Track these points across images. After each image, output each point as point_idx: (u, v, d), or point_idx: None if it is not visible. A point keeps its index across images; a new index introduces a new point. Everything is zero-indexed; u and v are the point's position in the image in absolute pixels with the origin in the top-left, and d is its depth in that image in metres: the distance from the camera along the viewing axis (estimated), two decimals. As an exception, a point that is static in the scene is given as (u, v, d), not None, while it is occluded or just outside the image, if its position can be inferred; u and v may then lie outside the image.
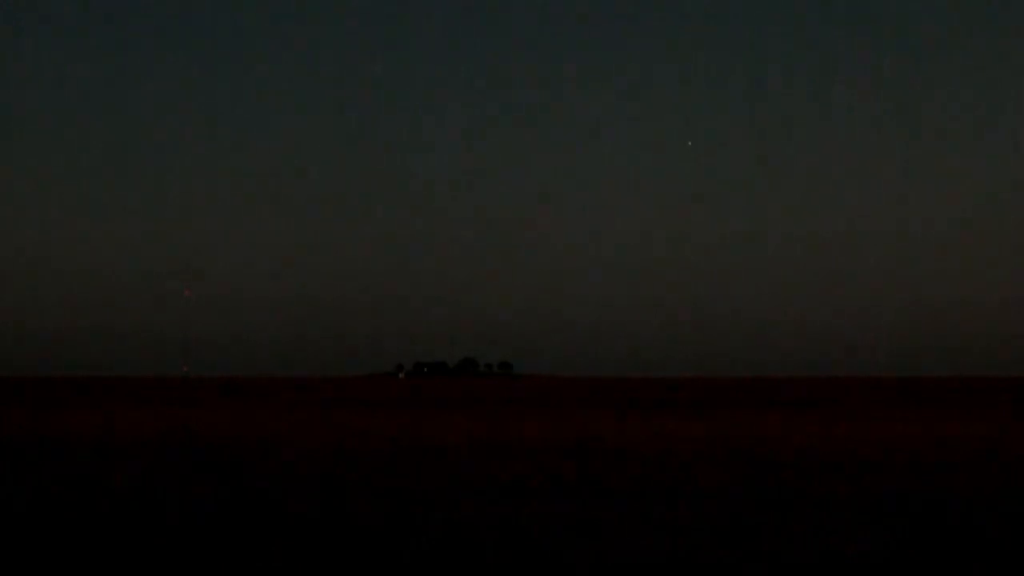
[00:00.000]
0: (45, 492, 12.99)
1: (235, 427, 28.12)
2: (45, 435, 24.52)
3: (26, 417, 34.91)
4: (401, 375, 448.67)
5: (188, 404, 50.52)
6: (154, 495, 12.68)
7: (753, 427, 27.98)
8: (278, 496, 12.54)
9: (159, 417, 34.96)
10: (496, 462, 17.03)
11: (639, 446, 20.60)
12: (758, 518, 10.67)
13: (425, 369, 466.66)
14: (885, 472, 15.39)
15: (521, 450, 19.54)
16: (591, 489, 13.20)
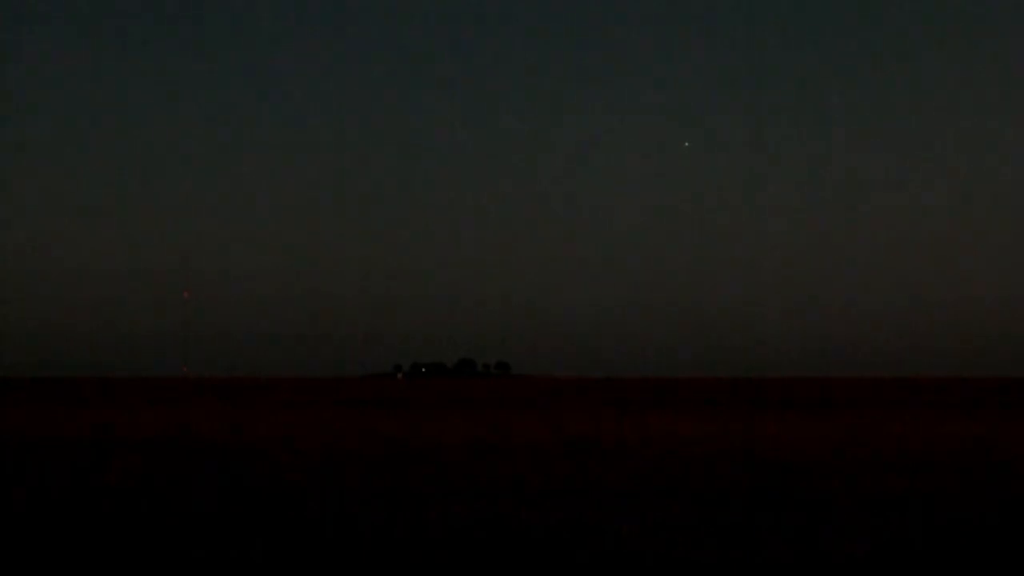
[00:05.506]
0: (44, 492, 12.98)
1: (234, 427, 28.11)
2: (45, 435, 24.51)
3: (26, 417, 34.89)
4: (400, 376, 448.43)
5: (187, 404, 50.51)
6: (152, 495, 12.67)
7: (753, 427, 27.98)
8: (276, 496, 12.53)
9: (158, 417, 34.94)
10: (494, 462, 17.02)
11: (639, 446, 20.59)
12: (758, 518, 10.66)
13: (423, 370, 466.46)
14: (885, 472, 15.38)
15: (519, 450, 19.53)
16: (590, 489, 13.18)
